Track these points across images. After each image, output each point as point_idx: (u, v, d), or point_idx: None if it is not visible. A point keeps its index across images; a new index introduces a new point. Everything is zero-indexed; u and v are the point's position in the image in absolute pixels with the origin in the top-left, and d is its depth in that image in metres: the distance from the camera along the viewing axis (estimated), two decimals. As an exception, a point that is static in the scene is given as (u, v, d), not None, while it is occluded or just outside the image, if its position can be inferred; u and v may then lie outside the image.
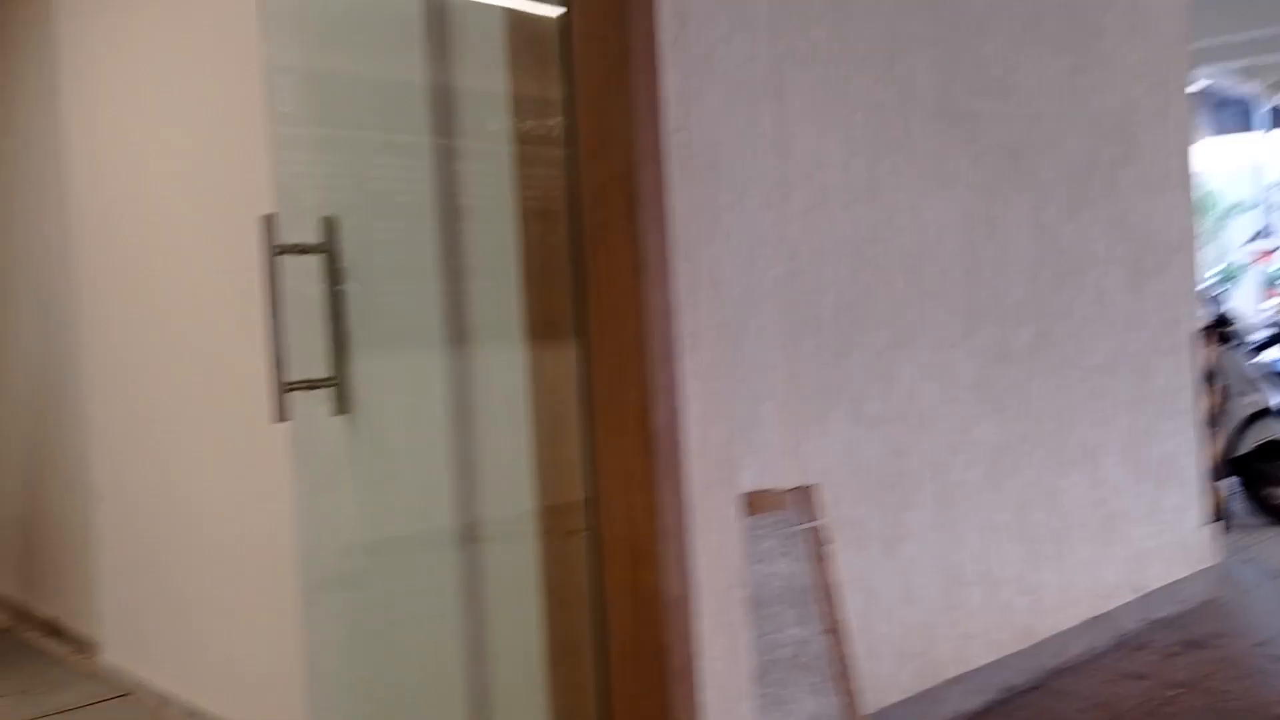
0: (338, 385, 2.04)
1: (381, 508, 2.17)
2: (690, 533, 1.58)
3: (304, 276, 2.00)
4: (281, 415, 1.93)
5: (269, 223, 1.93)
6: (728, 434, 1.66)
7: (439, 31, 2.06)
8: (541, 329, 1.88)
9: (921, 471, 2.68)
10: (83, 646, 3.61)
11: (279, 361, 1.92)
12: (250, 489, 2.64)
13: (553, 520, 1.88)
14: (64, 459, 3.67)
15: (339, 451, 2.11)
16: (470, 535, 2.07)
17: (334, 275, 2.03)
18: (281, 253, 1.97)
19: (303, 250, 2.02)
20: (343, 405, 2.04)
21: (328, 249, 2.03)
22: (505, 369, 1.99)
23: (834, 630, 2.34)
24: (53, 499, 3.83)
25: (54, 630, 3.84)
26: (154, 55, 2.96)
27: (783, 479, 2.35)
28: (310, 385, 2.02)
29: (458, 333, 2.07)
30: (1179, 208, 3.59)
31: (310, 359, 2.00)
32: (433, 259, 2.08)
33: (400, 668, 2.13)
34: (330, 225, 2.04)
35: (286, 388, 1.94)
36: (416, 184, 2.11)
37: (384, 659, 2.14)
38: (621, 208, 1.50)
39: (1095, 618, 3.16)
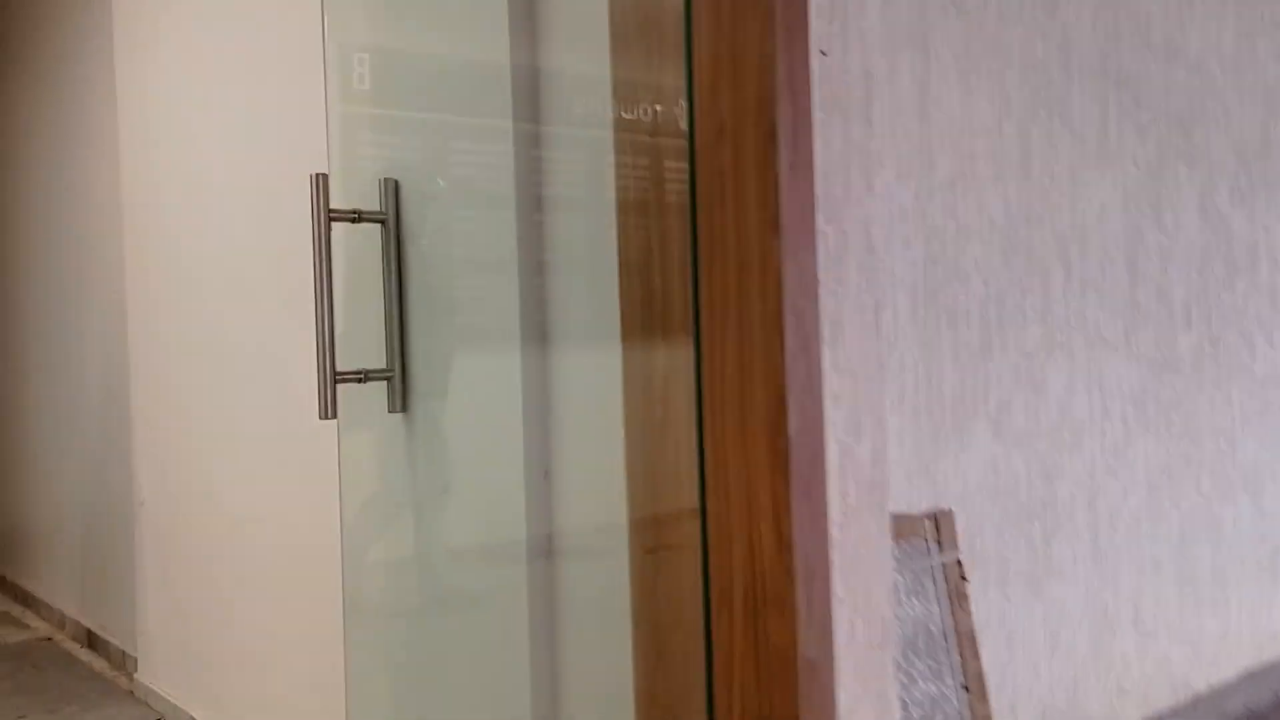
0: (397, 377, 1.75)
1: (442, 517, 1.87)
2: (832, 573, 1.23)
3: (362, 262, 1.73)
4: (330, 410, 1.64)
5: (320, 183, 1.64)
6: (876, 446, 1.30)
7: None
8: (640, 313, 1.54)
9: (1073, 498, 2.28)
10: (120, 661, 3.41)
11: (329, 348, 1.63)
12: (298, 497, 2.38)
13: (648, 544, 1.55)
14: (116, 466, 3.49)
15: (396, 452, 1.81)
16: (545, 554, 1.76)
17: (395, 249, 1.74)
18: (335, 219, 1.68)
19: (359, 217, 1.74)
20: (402, 401, 1.76)
21: (388, 217, 1.75)
22: (594, 362, 1.67)
23: (973, 685, 1.98)
24: (103, 508, 3.66)
25: (94, 642, 3.66)
26: (211, 36, 2.75)
27: (913, 503, 1.99)
28: (364, 377, 1.74)
29: (537, 322, 1.76)
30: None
31: (365, 349, 1.72)
32: (513, 246, 1.78)
33: (457, 706, 1.82)
34: (390, 189, 1.75)
35: (337, 378, 1.66)
36: (498, 169, 1.82)
37: (439, 695, 1.84)
38: (754, 148, 1.15)
39: (1256, 669, 2.74)
